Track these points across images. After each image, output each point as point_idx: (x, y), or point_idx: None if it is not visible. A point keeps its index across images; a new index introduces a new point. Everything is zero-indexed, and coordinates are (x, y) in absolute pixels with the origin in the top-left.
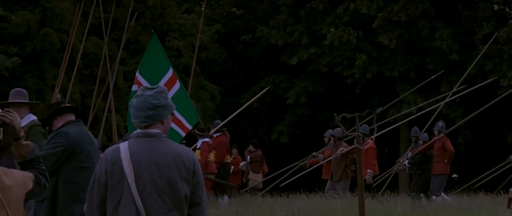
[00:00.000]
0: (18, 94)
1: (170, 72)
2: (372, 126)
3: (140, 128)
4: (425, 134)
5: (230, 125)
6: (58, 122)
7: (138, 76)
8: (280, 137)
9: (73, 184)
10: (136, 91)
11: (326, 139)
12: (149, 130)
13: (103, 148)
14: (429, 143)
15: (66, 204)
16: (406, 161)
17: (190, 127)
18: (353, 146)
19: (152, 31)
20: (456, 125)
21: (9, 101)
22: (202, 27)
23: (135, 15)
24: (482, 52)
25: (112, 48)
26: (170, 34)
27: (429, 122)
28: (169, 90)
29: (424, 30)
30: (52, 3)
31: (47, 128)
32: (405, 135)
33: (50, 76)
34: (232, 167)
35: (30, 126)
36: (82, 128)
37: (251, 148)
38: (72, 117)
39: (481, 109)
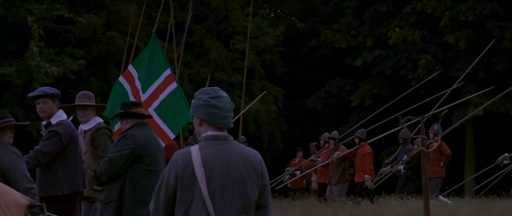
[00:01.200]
0: (84, 97)
1: (168, 72)
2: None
3: (222, 130)
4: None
5: (297, 128)
6: (126, 124)
7: (130, 68)
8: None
9: (140, 186)
10: (122, 83)
11: (322, 142)
12: (221, 133)
13: None
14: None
15: (132, 206)
16: (402, 166)
17: (172, 136)
18: (350, 150)
19: (152, 31)
20: (451, 127)
21: (75, 103)
22: (247, 29)
23: (190, 17)
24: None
25: (177, 51)
26: (234, 36)
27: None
28: (164, 89)
29: (494, 30)
30: (117, 6)
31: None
32: (471, 137)
33: (115, 79)
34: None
35: (97, 129)
36: (148, 130)
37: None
38: (138, 120)
39: (476, 111)
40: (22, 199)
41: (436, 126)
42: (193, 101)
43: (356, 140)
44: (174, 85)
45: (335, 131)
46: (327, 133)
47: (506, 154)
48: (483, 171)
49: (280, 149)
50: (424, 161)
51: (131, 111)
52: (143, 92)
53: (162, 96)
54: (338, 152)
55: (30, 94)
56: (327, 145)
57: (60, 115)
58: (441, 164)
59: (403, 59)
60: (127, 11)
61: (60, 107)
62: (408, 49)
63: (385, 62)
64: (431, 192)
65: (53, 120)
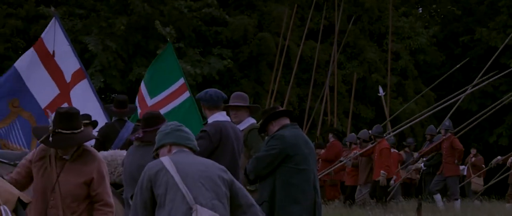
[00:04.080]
0: (237, 98)
1: (181, 81)
2: None
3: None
4: (440, 135)
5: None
6: (274, 127)
7: (141, 86)
8: (499, 139)
9: (290, 185)
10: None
11: (347, 144)
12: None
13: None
14: (436, 143)
15: (283, 205)
16: (422, 164)
17: None
18: (367, 148)
19: (168, 40)
20: (468, 123)
21: (229, 104)
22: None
23: (352, 19)
24: None
25: (330, 52)
26: (387, 37)
27: None
28: (177, 98)
29: None
30: (269, 7)
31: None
32: None
33: (267, 80)
34: None
35: (250, 129)
36: (297, 131)
37: (473, 152)
38: (286, 121)
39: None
40: (15, 191)
41: (447, 122)
42: (159, 133)
43: (372, 137)
44: (186, 94)
45: (364, 130)
46: (353, 134)
47: (499, 157)
48: (478, 173)
49: None
50: None
51: (275, 112)
52: (152, 96)
53: (173, 104)
54: (355, 151)
55: None
56: (354, 146)
57: (216, 116)
58: (455, 161)
59: None
60: (279, 12)
61: (221, 109)
62: None
63: None
64: (454, 194)
65: (209, 120)
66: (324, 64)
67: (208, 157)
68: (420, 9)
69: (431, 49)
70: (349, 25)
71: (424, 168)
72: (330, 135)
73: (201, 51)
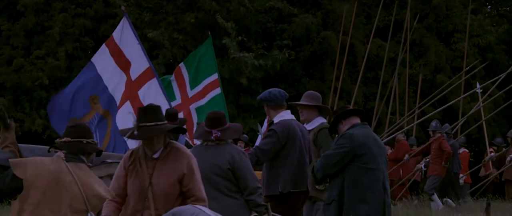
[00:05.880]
0: (307, 97)
1: (215, 76)
2: None
3: None
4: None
5: None
6: (344, 126)
7: (181, 66)
8: None
9: (359, 184)
10: (171, 82)
11: None
12: None
13: None
14: (426, 144)
15: (351, 204)
16: (423, 164)
17: None
18: None
19: (209, 33)
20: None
21: (299, 102)
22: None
23: (417, 16)
24: None
25: (395, 50)
26: (455, 35)
27: None
28: (208, 93)
29: None
30: (334, 5)
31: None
32: None
33: (329, 79)
34: None
35: (319, 129)
36: (367, 130)
37: None
38: (357, 120)
39: None
40: (104, 193)
41: (434, 123)
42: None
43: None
44: (218, 90)
45: None
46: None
47: (492, 154)
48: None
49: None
50: None
51: (345, 111)
52: (191, 88)
53: (205, 99)
54: None
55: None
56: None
57: (282, 115)
58: (442, 163)
59: None
60: (342, 10)
61: (285, 107)
62: None
63: None
64: (427, 190)
65: (276, 120)
66: (389, 63)
67: (276, 155)
68: (489, 7)
69: (499, 48)
70: (415, 23)
71: (425, 169)
72: (399, 135)
73: (264, 46)
